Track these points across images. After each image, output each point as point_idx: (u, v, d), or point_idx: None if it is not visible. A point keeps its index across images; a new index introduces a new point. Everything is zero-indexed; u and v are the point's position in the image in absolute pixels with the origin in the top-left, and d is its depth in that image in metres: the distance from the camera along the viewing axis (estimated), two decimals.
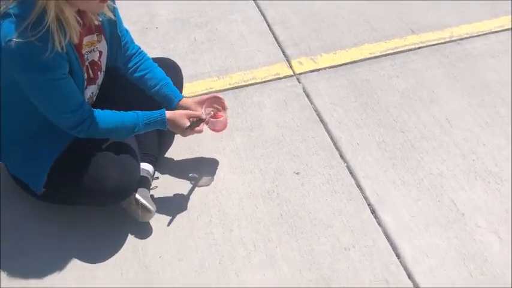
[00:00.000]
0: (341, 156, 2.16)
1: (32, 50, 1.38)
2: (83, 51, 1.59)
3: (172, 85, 1.88)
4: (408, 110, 2.37)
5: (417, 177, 2.07)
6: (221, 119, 1.93)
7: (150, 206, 1.83)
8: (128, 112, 1.68)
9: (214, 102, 1.92)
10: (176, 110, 1.83)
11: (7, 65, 1.45)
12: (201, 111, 1.84)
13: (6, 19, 1.37)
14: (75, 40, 1.49)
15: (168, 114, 1.73)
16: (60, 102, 1.52)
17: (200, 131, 1.81)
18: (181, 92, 2.09)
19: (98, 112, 1.63)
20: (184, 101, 1.87)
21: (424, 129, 2.27)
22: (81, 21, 1.51)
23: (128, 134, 1.69)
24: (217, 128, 1.97)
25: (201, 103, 1.88)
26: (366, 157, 2.15)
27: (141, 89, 1.87)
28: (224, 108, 1.94)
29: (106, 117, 1.64)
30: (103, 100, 1.76)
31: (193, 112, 1.81)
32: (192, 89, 2.45)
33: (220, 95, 1.96)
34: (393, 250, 1.82)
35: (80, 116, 1.57)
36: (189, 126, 1.76)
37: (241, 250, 1.82)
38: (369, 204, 1.97)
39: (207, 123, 1.89)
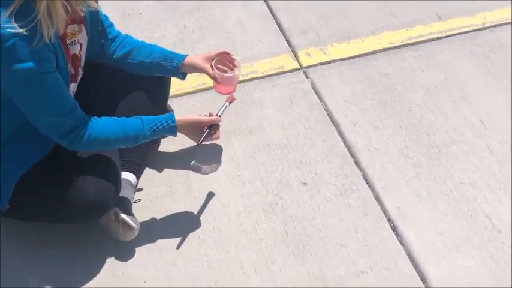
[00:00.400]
0: (356, 163, 2.15)
1: (18, 40, 1.38)
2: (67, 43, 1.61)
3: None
4: (434, 109, 2.36)
5: (445, 188, 2.06)
6: (232, 74, 1.93)
7: (133, 223, 1.82)
8: (130, 118, 1.71)
9: (224, 59, 1.95)
10: (182, 70, 1.88)
11: None
12: (211, 71, 1.88)
13: None
14: (61, 30, 1.50)
15: (178, 118, 1.77)
16: (49, 102, 1.52)
17: (217, 137, 1.89)
18: (165, 104, 2.15)
19: (94, 119, 1.64)
20: (189, 59, 1.91)
21: (454, 131, 2.27)
22: (69, 9, 1.51)
23: (130, 144, 1.71)
24: (226, 85, 1.96)
25: (209, 59, 1.92)
26: (385, 164, 2.15)
27: (129, 76, 1.90)
28: (235, 66, 1.95)
29: (104, 124, 1.65)
30: (82, 99, 1.76)
31: (207, 118, 1.86)
32: (181, 84, 2.43)
33: (229, 50, 1.96)
34: (418, 274, 1.81)
35: (72, 122, 1.57)
36: (206, 131, 1.84)
37: (239, 274, 1.81)
38: (389, 220, 1.97)
39: (218, 82, 1.92)
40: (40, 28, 1.41)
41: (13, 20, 1.37)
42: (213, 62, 1.91)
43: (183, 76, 1.94)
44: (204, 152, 2.18)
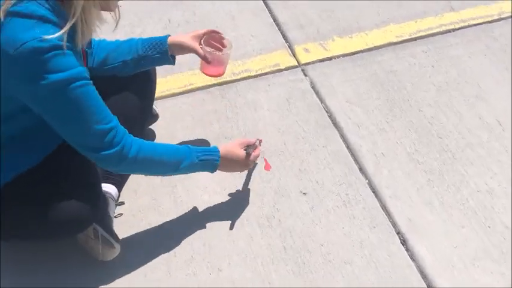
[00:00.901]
0: (361, 170, 2.15)
1: (59, 49, 1.39)
2: None
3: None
4: (447, 109, 2.36)
5: (460, 196, 2.06)
6: (225, 52, 1.93)
7: (114, 241, 1.81)
8: (175, 145, 1.76)
9: (212, 39, 1.95)
10: (169, 51, 1.87)
11: (14, 75, 1.44)
12: (200, 50, 1.88)
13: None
14: (85, 42, 1.51)
15: (222, 148, 1.81)
16: (95, 107, 1.51)
17: (257, 156, 1.91)
18: (153, 101, 2.13)
19: (137, 139, 1.64)
20: (175, 39, 1.90)
21: (468, 133, 2.26)
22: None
23: (171, 171, 1.72)
24: (217, 65, 1.96)
25: (197, 37, 1.92)
26: (393, 171, 2.14)
27: (111, 78, 1.90)
28: (223, 46, 1.95)
29: (149, 144, 1.67)
30: None
31: (246, 140, 1.89)
32: (166, 85, 2.44)
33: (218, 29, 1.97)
34: None
35: (115, 134, 1.55)
36: (247, 152, 1.86)
37: None
38: (398, 233, 1.96)
39: (208, 62, 1.92)
40: (77, 34, 1.44)
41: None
42: (202, 40, 1.91)
43: (173, 60, 1.93)
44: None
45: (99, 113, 1.52)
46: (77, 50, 1.46)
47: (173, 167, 1.70)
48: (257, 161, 2.00)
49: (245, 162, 1.87)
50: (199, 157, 1.75)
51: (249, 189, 2.08)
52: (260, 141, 1.96)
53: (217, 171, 1.82)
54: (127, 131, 1.61)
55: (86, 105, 1.48)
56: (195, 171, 1.78)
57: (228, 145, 1.85)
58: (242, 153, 1.85)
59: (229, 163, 1.83)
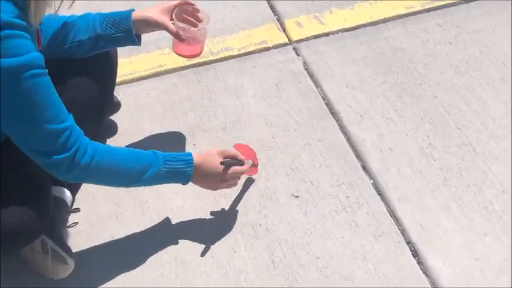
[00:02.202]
0: (364, 168, 2.16)
1: (11, 33, 1.38)
2: None
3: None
4: (467, 94, 2.37)
5: (482, 198, 2.07)
6: (201, 27, 1.92)
7: (66, 255, 1.80)
8: (138, 150, 1.75)
9: (184, 12, 1.93)
10: (133, 30, 1.86)
11: None
12: (171, 26, 1.87)
13: None
14: (39, 19, 1.50)
15: (197, 156, 1.81)
16: (49, 103, 1.50)
17: (238, 172, 1.89)
18: (113, 88, 2.12)
19: (94, 142, 1.63)
20: (140, 14, 1.88)
21: (492, 123, 2.28)
22: None
23: (132, 181, 1.71)
24: (192, 44, 1.95)
25: (167, 11, 1.90)
26: (402, 169, 2.15)
27: (64, 60, 1.89)
28: (199, 20, 1.94)
29: (107, 148, 1.66)
30: None
31: (227, 150, 1.88)
32: (130, 67, 2.43)
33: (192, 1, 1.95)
34: None
35: (70, 135, 1.54)
36: (224, 164, 1.83)
37: None
38: (408, 243, 1.97)
39: (182, 40, 1.91)
40: (29, 9, 1.42)
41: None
42: (173, 14, 1.90)
43: (138, 40, 1.92)
44: (160, 142, 2.19)
45: (52, 109, 1.50)
46: (31, 31, 1.45)
47: (134, 177, 1.69)
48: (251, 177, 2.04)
49: (222, 178, 1.84)
50: (167, 166, 1.73)
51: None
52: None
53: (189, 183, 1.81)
54: (82, 132, 1.60)
55: (38, 99, 1.47)
56: (161, 183, 1.77)
57: (205, 153, 1.84)
58: (221, 165, 1.84)
59: (205, 176, 1.82)
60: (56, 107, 1.51)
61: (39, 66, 1.45)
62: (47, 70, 1.49)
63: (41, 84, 1.46)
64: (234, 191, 2.07)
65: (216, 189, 1.93)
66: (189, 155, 1.79)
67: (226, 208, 2.04)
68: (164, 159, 1.73)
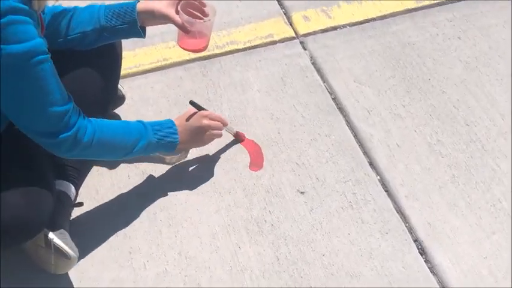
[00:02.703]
0: (371, 164, 2.15)
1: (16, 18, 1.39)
2: None
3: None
4: (476, 90, 2.36)
5: (491, 196, 2.06)
6: (207, 19, 1.91)
7: (69, 250, 1.79)
8: (127, 121, 1.86)
9: (190, 6, 1.92)
10: (138, 21, 1.87)
11: None
12: (176, 18, 1.86)
13: None
14: (43, 5, 1.53)
15: (176, 120, 1.94)
16: (52, 87, 1.54)
17: (219, 124, 2.01)
18: (118, 80, 2.13)
19: (92, 119, 1.71)
20: (145, 6, 1.87)
21: (501, 120, 2.27)
22: None
23: (126, 153, 1.80)
24: (197, 37, 1.94)
25: (173, 3, 1.89)
26: (410, 165, 2.14)
27: (68, 52, 1.88)
28: (205, 15, 1.92)
29: (105, 124, 1.74)
30: None
31: (206, 113, 2.00)
32: (135, 60, 2.43)
33: None
34: None
35: (71, 115, 1.59)
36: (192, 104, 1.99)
37: None
38: (415, 241, 1.96)
39: (187, 33, 1.91)
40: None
41: None
42: (179, 7, 1.88)
43: (142, 32, 1.92)
44: None
45: (56, 93, 1.54)
46: (34, 16, 1.45)
47: (129, 149, 1.78)
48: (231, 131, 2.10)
49: (204, 126, 1.96)
50: (157, 135, 1.84)
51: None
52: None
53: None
54: (81, 111, 1.64)
55: (44, 85, 1.50)
56: (149, 153, 1.88)
57: (183, 116, 1.97)
58: (200, 121, 1.95)
59: (187, 131, 1.94)
60: (59, 90, 1.56)
61: (44, 52, 1.48)
62: (50, 54, 1.51)
63: (46, 69, 1.50)
64: (239, 187, 2.07)
65: (203, 142, 2.02)
66: (171, 121, 1.92)
67: (231, 204, 2.04)
68: (153, 129, 1.84)
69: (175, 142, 1.89)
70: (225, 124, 2.06)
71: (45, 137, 1.59)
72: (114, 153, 1.80)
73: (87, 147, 1.64)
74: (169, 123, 1.91)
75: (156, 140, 1.83)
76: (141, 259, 1.91)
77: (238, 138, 2.19)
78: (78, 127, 1.60)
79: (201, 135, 1.98)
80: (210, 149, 2.16)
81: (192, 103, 2.01)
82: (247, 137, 2.20)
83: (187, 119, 1.96)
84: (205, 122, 1.96)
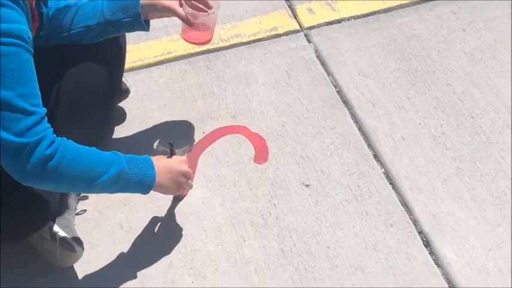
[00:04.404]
0: (376, 157, 2.15)
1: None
2: None
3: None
4: (481, 82, 2.36)
5: (496, 188, 2.07)
6: (211, 12, 1.90)
7: (75, 243, 1.81)
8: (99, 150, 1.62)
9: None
10: (142, 14, 1.84)
11: None
12: (180, 10, 1.85)
13: None
14: None
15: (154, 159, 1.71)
16: (26, 77, 1.43)
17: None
18: (121, 78, 2.12)
19: (62, 138, 1.52)
20: (151, 1, 1.85)
21: (506, 112, 2.27)
22: None
23: (94, 178, 1.55)
24: (201, 29, 1.94)
25: None
26: (414, 158, 2.14)
27: (72, 45, 1.88)
28: (209, 8, 1.92)
29: (74, 144, 1.54)
30: None
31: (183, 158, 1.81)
32: (139, 54, 2.43)
33: None
34: None
35: (39, 122, 1.44)
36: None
37: None
38: (420, 233, 1.97)
39: (191, 25, 1.89)
40: None
41: None
42: (183, 0, 1.89)
43: (146, 25, 1.92)
44: (168, 130, 2.18)
45: (25, 87, 1.42)
46: (22, 7, 1.43)
47: (96, 176, 1.55)
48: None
49: (185, 170, 1.79)
50: (131, 167, 1.63)
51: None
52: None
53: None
54: (52, 129, 1.49)
55: (12, 68, 1.40)
56: (117, 190, 1.62)
57: (159, 158, 1.77)
58: (183, 166, 1.78)
59: (166, 177, 1.74)
60: (31, 88, 1.44)
61: (22, 39, 1.40)
62: (32, 51, 1.45)
63: (18, 55, 1.41)
64: (243, 180, 2.07)
65: (178, 189, 1.80)
66: (147, 156, 1.71)
67: (236, 197, 2.04)
68: (126, 159, 1.63)
69: (152, 179, 1.67)
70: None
71: (3, 134, 1.39)
72: (80, 179, 1.52)
73: (47, 160, 1.43)
74: (146, 158, 1.70)
75: (130, 171, 1.61)
76: (146, 251, 1.92)
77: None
78: (42, 137, 1.42)
79: (179, 181, 1.78)
80: (216, 146, 2.17)
81: (171, 145, 1.86)
82: (252, 130, 2.19)
83: (167, 158, 1.79)
84: (187, 169, 1.80)
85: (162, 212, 2.01)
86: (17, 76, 1.40)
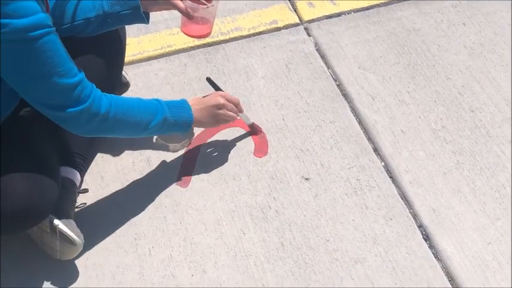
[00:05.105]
0: (376, 150, 2.15)
1: None
2: None
3: None
4: (481, 76, 2.36)
5: (496, 182, 2.07)
6: (211, 5, 1.90)
7: (75, 236, 1.80)
8: (144, 99, 1.84)
9: None
10: (141, 7, 1.85)
11: None
12: (180, 3, 1.85)
13: None
14: None
15: (191, 101, 1.93)
16: (60, 58, 1.55)
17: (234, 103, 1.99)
18: (122, 67, 2.14)
19: (106, 93, 1.70)
20: None
21: (506, 106, 2.27)
22: None
23: (140, 128, 1.78)
24: (201, 23, 1.94)
25: None
26: (414, 152, 2.15)
27: (73, 38, 1.87)
28: (208, 0, 1.91)
29: (120, 98, 1.76)
30: None
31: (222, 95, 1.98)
32: (139, 47, 2.43)
33: None
34: None
35: (83, 88, 1.60)
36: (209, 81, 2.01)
37: None
38: (419, 226, 1.97)
39: (191, 18, 1.89)
40: None
41: None
42: None
43: (146, 18, 1.92)
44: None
45: (63, 65, 1.54)
46: None
47: (144, 124, 1.77)
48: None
49: (219, 104, 1.94)
50: (172, 112, 1.82)
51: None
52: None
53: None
54: (95, 85, 1.65)
55: (49, 56, 1.50)
56: (163, 132, 1.86)
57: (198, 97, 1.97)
58: (216, 99, 1.93)
59: (202, 113, 1.92)
60: (67, 62, 1.56)
61: (48, 26, 1.48)
62: (54, 28, 1.52)
63: (51, 41, 1.50)
64: (243, 173, 2.08)
65: (216, 122, 1.98)
66: (184, 100, 1.90)
67: (235, 190, 2.04)
68: (168, 106, 1.83)
69: (190, 119, 1.88)
70: (240, 110, 2.03)
71: (56, 110, 1.58)
72: (132, 128, 1.77)
73: (104, 119, 1.64)
74: (183, 101, 1.89)
75: (171, 116, 1.82)
76: (146, 245, 1.92)
77: (253, 131, 2.17)
78: (92, 99, 1.60)
79: (215, 114, 1.95)
80: (214, 135, 2.17)
81: (208, 80, 2.01)
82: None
83: (203, 97, 1.95)
84: (222, 101, 1.94)
85: (162, 206, 2.00)
86: (55, 59, 1.52)
